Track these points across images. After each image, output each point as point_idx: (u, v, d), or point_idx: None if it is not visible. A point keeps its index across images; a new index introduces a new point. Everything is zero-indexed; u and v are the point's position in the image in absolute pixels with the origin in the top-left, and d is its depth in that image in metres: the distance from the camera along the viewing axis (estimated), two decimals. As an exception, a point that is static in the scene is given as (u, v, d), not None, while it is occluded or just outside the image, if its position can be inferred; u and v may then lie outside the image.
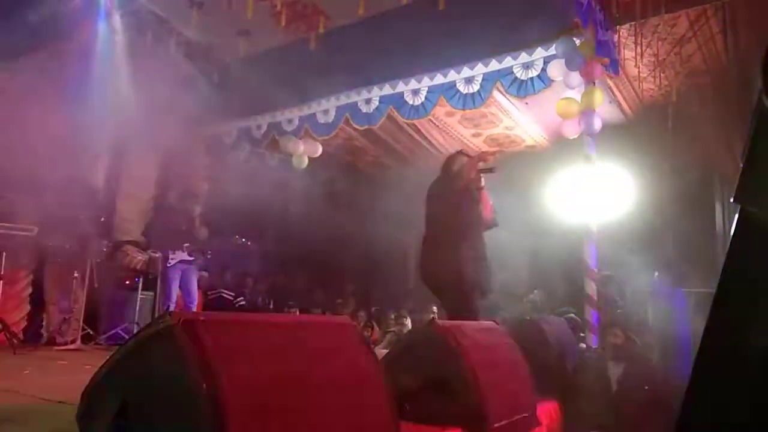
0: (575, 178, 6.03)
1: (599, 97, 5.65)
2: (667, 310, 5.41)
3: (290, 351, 2.02)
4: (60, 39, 6.44)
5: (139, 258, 7.36)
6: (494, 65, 6.00)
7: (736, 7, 5.61)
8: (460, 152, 4.79)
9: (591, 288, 5.25)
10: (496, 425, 2.82)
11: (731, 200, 0.87)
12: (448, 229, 4.29)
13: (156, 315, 6.96)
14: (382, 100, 6.77)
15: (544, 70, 5.73)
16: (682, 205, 7.38)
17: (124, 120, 6.87)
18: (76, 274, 6.69)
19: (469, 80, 6.15)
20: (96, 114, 6.56)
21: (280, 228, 9.38)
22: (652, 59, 6.46)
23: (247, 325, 2.01)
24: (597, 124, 5.61)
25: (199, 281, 6.91)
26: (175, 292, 6.40)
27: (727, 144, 6.77)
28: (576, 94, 5.82)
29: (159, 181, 8.24)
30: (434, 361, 2.93)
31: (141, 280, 7.36)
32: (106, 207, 7.56)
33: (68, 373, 4.42)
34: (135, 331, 5.49)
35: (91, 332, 6.75)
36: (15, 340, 5.75)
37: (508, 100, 7.22)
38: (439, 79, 6.35)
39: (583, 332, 5.32)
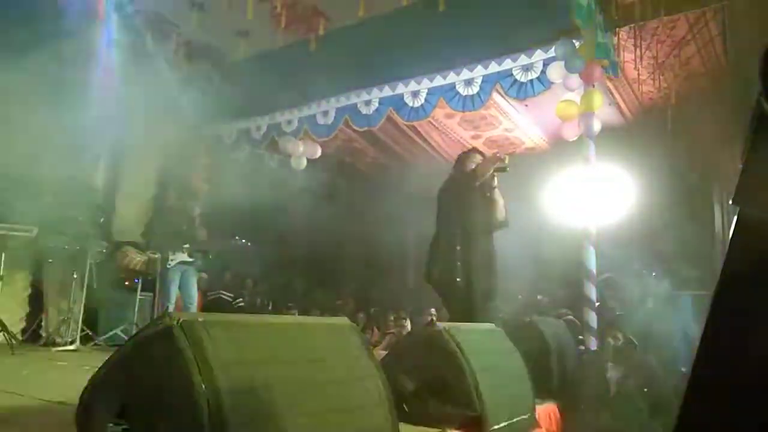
0: (574, 180, 6.03)
1: (598, 99, 5.66)
2: (666, 313, 5.41)
3: (289, 352, 2.02)
4: (60, 39, 6.43)
5: (138, 259, 7.35)
6: (494, 67, 6.01)
7: (735, 10, 5.62)
8: (474, 150, 4.78)
9: (590, 290, 5.24)
10: (494, 427, 2.82)
11: (730, 202, 0.87)
12: (460, 229, 4.28)
13: (155, 316, 6.95)
14: (382, 101, 6.78)
15: (543, 72, 5.74)
16: (681, 207, 7.38)
17: (123, 120, 6.87)
18: (75, 275, 6.69)
19: (468, 82, 6.16)
20: (95, 114, 6.56)
21: (279, 229, 9.37)
22: (652, 62, 6.47)
23: (246, 327, 2.01)
24: (596, 127, 5.62)
25: (198, 282, 6.90)
26: (175, 293, 6.40)
27: (727, 146, 6.77)
28: (575, 97, 5.83)
29: (158, 182, 8.24)
30: (433, 363, 2.93)
31: (140, 281, 7.34)
32: (106, 208, 7.55)
33: (67, 374, 4.42)
34: (134, 332, 5.49)
35: (90, 333, 6.73)
36: (14, 341, 5.74)
37: (508, 102, 7.22)
38: (438, 80, 6.36)
39: (581, 334, 5.32)
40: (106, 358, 1.94)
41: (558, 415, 3.98)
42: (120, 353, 1.91)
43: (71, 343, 6.36)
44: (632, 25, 5.72)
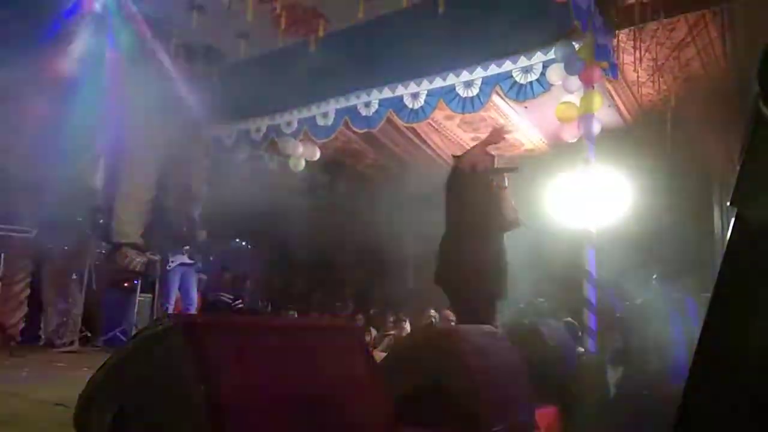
0: (574, 182, 6.03)
1: (598, 101, 5.66)
2: (665, 314, 5.41)
3: (288, 354, 2.02)
4: (59, 40, 6.44)
5: (137, 260, 7.36)
6: (494, 69, 6.01)
7: (734, 13, 5.63)
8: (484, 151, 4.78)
9: (590, 292, 5.24)
10: (493, 429, 2.82)
11: (728, 203, 0.88)
12: (470, 229, 4.28)
13: (154, 317, 6.95)
14: (382, 103, 6.78)
15: (543, 74, 5.74)
16: (680, 208, 7.39)
17: (123, 121, 6.87)
18: (74, 276, 6.69)
19: (468, 84, 6.16)
20: (95, 115, 6.57)
21: (278, 231, 9.38)
22: (651, 64, 6.48)
23: (246, 328, 2.01)
24: (596, 128, 5.62)
25: (197, 284, 6.91)
26: (174, 294, 6.41)
27: (726, 148, 6.78)
28: (575, 98, 5.83)
29: (158, 183, 8.24)
30: (432, 365, 2.92)
31: (139, 282, 7.35)
32: (105, 209, 7.55)
33: (66, 375, 4.41)
34: (133, 333, 5.48)
35: (89, 334, 6.74)
36: (12, 342, 5.74)
37: (508, 104, 7.23)
38: (438, 82, 6.36)
39: (581, 336, 5.32)
40: (105, 360, 1.94)
41: (557, 418, 3.98)
42: (119, 354, 1.91)
43: (70, 344, 6.37)
44: (632, 27, 5.73)
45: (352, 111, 7.01)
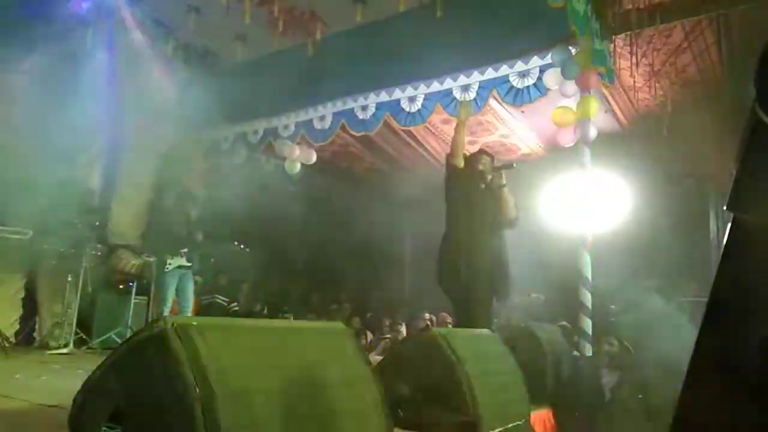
0: (571, 187, 6.04)
1: (595, 106, 5.67)
2: (661, 318, 5.41)
3: (284, 357, 2.02)
4: (57, 42, 6.43)
5: (133, 262, 7.34)
6: (490, 73, 6.02)
7: (730, 19, 5.66)
8: (481, 151, 4.81)
9: (586, 296, 5.25)
10: (489, 433, 2.82)
11: (724, 207, 0.88)
12: (467, 228, 4.29)
13: (150, 320, 6.92)
14: (379, 106, 6.78)
15: (540, 78, 5.75)
16: (677, 213, 7.41)
17: (120, 123, 6.86)
18: (69, 278, 6.67)
19: (465, 88, 6.17)
20: (92, 117, 6.56)
21: (275, 233, 9.37)
22: (648, 69, 6.51)
23: (241, 331, 2.01)
24: (592, 133, 5.63)
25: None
26: (171, 297, 6.35)
27: (722, 153, 6.80)
28: (572, 103, 5.84)
29: (155, 185, 8.22)
30: (428, 368, 2.92)
31: (135, 284, 7.33)
32: (101, 211, 7.53)
33: (60, 378, 4.40)
34: (128, 335, 5.46)
35: (84, 336, 6.71)
36: (7, 344, 5.71)
37: (504, 108, 7.25)
38: (435, 86, 6.37)
39: (577, 340, 5.32)
40: (100, 362, 1.93)
41: (552, 421, 3.98)
42: (114, 356, 1.91)
43: (65, 346, 6.34)
44: (628, 33, 5.75)
45: (350, 114, 7.00)
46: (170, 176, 7.97)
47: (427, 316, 8.08)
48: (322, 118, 7.26)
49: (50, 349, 6.28)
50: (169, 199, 7.39)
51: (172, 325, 1.72)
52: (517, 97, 5.91)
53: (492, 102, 6.52)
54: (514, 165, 4.49)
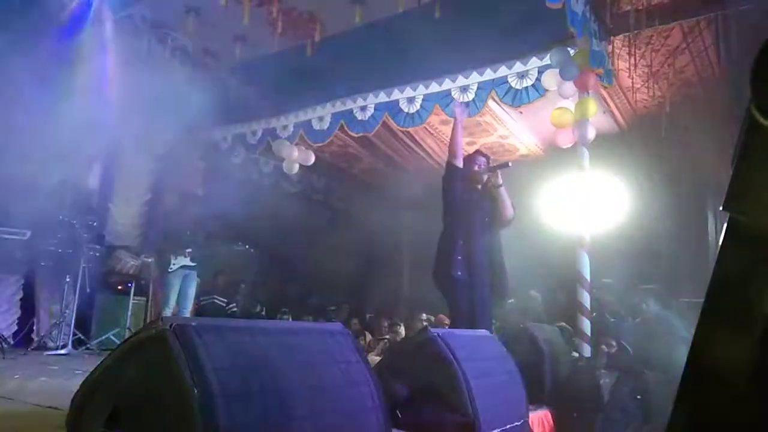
0: (569, 187, 6.05)
1: (593, 107, 5.68)
2: (659, 319, 5.42)
3: (283, 358, 2.02)
4: (54, 42, 6.42)
5: (131, 263, 7.33)
6: (489, 74, 6.03)
7: (729, 20, 5.67)
8: (477, 152, 4.84)
9: (584, 297, 5.25)
10: (488, 433, 2.82)
11: (720, 208, 0.88)
12: (463, 227, 4.31)
13: (148, 320, 6.92)
14: (378, 107, 6.78)
15: (538, 79, 5.76)
16: (675, 214, 7.42)
17: (118, 124, 6.85)
18: (68, 279, 6.66)
19: (464, 89, 6.18)
20: (90, 118, 6.54)
21: (274, 234, 9.36)
22: (646, 70, 6.51)
23: (240, 332, 2.01)
24: (591, 134, 5.64)
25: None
26: (174, 298, 6.34)
27: (720, 154, 6.81)
28: (570, 104, 5.85)
29: (153, 186, 8.21)
30: (427, 369, 2.92)
31: (133, 285, 7.32)
32: (99, 211, 7.53)
33: (59, 378, 4.39)
34: (127, 336, 5.46)
35: (83, 337, 6.70)
36: (5, 345, 5.71)
37: (503, 109, 7.25)
38: (434, 87, 6.37)
39: (575, 341, 5.32)
40: (99, 362, 1.93)
41: (551, 422, 3.99)
42: (112, 357, 1.91)
43: (63, 347, 6.33)
44: (627, 34, 5.76)
45: (348, 115, 7.01)
46: (169, 177, 7.97)
47: (425, 316, 8.07)
48: (320, 119, 7.27)
49: (48, 350, 6.27)
50: (170, 199, 7.38)
51: (171, 325, 1.72)
52: (515, 98, 5.92)
53: (490, 103, 6.52)
54: (510, 164, 4.51)
